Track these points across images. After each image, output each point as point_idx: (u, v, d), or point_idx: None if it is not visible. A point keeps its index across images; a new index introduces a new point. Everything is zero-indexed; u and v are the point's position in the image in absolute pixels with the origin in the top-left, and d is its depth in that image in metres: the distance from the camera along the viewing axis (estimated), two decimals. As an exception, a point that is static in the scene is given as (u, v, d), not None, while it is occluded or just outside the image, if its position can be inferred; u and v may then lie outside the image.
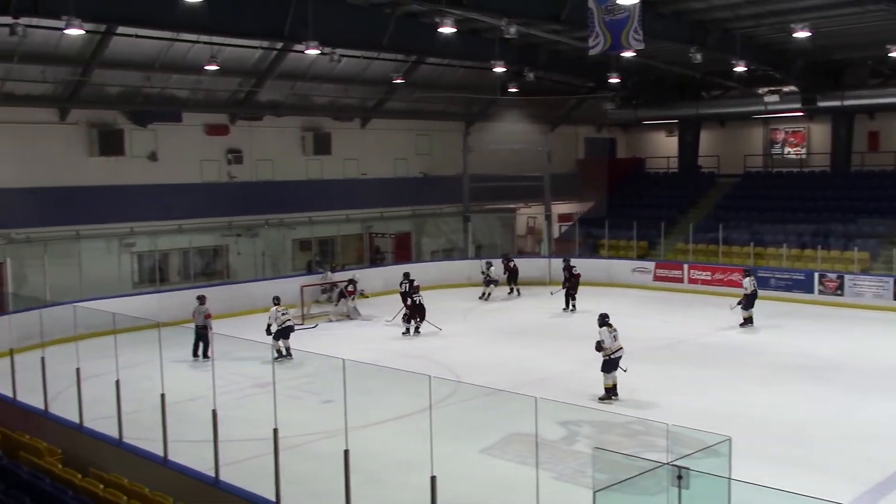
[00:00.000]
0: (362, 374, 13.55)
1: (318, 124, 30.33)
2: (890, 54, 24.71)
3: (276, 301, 19.49)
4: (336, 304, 24.50)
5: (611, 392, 15.38)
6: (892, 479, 11.36)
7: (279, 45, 24.92)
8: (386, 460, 12.21)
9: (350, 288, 24.35)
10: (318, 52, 22.62)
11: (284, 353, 19.09)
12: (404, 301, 22.50)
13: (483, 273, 27.46)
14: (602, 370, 15.51)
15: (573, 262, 25.72)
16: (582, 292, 25.14)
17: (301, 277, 26.24)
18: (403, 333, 21.88)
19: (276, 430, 9.56)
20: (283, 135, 29.43)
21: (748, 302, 22.12)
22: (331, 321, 23.77)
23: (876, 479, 11.30)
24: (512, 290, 27.90)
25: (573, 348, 19.98)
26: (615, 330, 15.60)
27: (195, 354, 19.04)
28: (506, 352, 19.96)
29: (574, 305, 24.84)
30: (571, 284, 25.03)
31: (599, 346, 15.50)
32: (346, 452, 8.97)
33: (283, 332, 19.20)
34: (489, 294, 27.15)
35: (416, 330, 21.84)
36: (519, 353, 19.78)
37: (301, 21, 21.86)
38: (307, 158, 30.06)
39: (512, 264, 28.03)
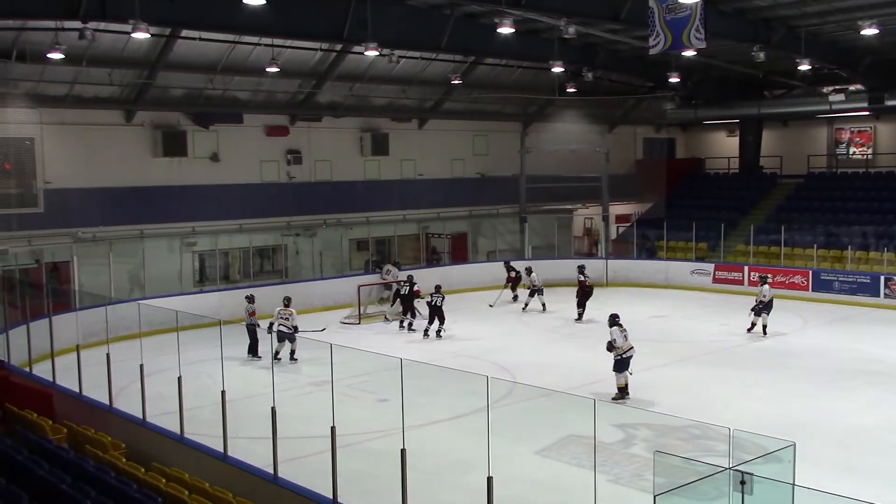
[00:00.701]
0: (418, 373, 13.62)
1: (376, 125, 30.54)
2: (962, 51, 24.01)
3: (286, 302, 19.16)
4: (392, 304, 24.60)
5: (623, 391, 15.37)
6: (963, 489, 11.02)
7: (338, 46, 25.16)
8: (442, 460, 12.23)
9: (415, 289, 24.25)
10: (377, 53, 22.79)
11: (290, 357, 18.83)
12: (407, 302, 22.84)
13: (527, 285, 25.92)
14: (614, 370, 15.57)
15: (587, 271, 24.37)
16: (643, 294, 24.82)
17: (358, 277, 26.43)
18: (424, 335, 21.51)
19: (333, 428, 9.64)
20: (341, 135, 29.70)
21: (766, 308, 21.10)
22: (387, 321, 23.88)
23: (945, 488, 10.98)
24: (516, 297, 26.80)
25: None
26: (626, 330, 15.72)
27: (253, 353, 19.13)
28: (561, 353, 19.85)
29: (581, 315, 23.52)
30: (582, 293, 23.85)
31: (611, 346, 15.64)
32: (403, 451, 9.00)
33: (279, 336, 18.65)
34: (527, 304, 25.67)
35: (438, 333, 21.44)
36: (575, 354, 19.64)
37: (360, 22, 22.04)
38: (365, 159, 30.29)
39: (512, 273, 27.19)
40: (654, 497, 6.46)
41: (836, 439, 13.17)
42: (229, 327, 17.35)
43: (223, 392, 11.20)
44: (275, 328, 18.63)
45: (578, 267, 24.58)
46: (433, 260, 31.67)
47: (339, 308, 24.70)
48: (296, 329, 18.69)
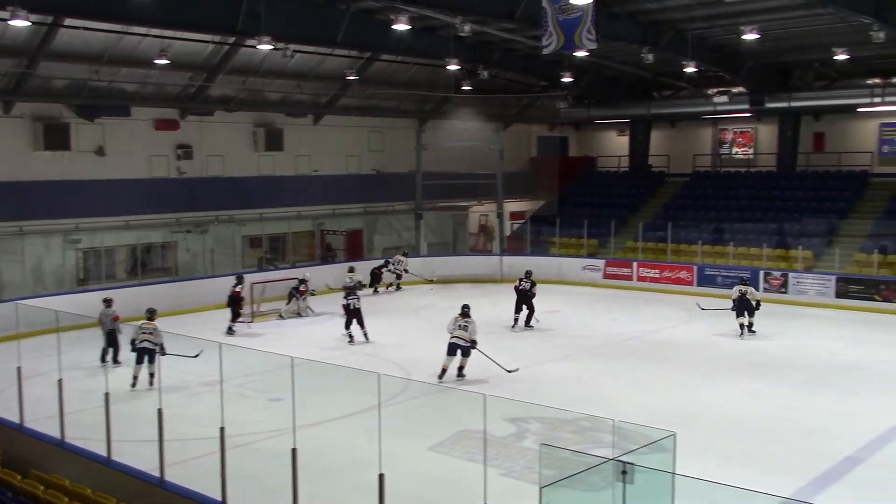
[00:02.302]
0: (311, 371, 13.51)
1: (270, 120, 30.06)
2: (835, 57, 25.23)
3: (149, 315, 16.63)
4: (287, 303, 24.30)
5: (442, 373, 16.30)
6: (832, 471, 11.61)
7: (231, 39, 24.64)
8: (335, 458, 12.14)
9: (302, 287, 24.16)
10: (271, 47, 22.34)
11: (150, 382, 15.75)
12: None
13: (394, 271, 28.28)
14: None
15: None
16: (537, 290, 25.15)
17: (251, 274, 25.96)
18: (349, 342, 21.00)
19: (222, 429, 9.47)
20: (234, 130, 29.11)
21: (737, 309, 21.29)
22: (282, 318, 23.59)
23: (816, 472, 11.54)
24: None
25: (524, 347, 20.14)
26: (466, 322, 16.59)
27: (103, 360, 17.45)
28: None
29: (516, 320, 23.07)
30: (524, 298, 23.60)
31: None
32: (294, 451, 8.91)
33: (139, 356, 15.98)
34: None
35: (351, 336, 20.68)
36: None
37: (253, 15, 21.62)
38: (258, 154, 29.79)
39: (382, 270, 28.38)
40: (540, 489, 6.57)
41: (717, 428, 13.68)
42: (115, 327, 16.83)
43: (107, 394, 10.85)
44: (136, 345, 16.00)
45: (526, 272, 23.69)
46: (328, 257, 31.42)
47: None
48: (161, 348, 15.79)
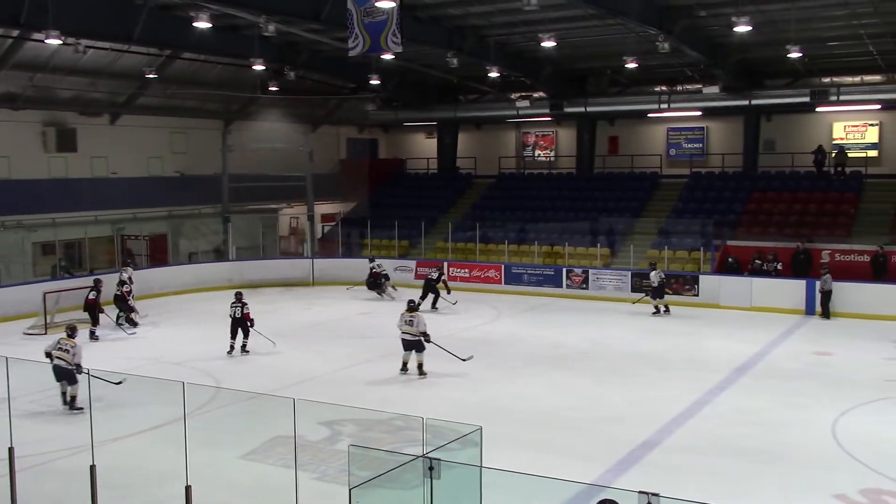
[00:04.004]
0: (113, 384, 12.84)
1: (62, 119, 28.32)
2: (626, 65, 26.78)
3: (70, 332, 15.05)
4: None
5: (403, 368, 17.20)
6: (630, 456, 12.30)
7: (15, 32, 23.00)
8: (139, 473, 11.57)
9: (126, 289, 22.56)
10: (60, 41, 21.11)
11: (70, 404, 14.35)
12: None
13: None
14: None
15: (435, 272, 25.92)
16: (346, 292, 25.20)
17: (43, 283, 24.35)
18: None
19: (11, 449, 8.83)
20: (20, 129, 27.17)
21: (655, 293, 23.95)
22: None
23: (618, 457, 12.19)
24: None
25: (337, 348, 20.06)
26: (411, 317, 17.20)
27: None
28: (271, 356, 19.52)
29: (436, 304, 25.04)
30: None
31: None
32: (93, 468, 8.44)
33: (57, 374, 14.56)
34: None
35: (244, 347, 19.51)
36: (283, 354, 19.47)
37: (39, 7, 20.25)
38: (49, 155, 27.96)
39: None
40: (350, 490, 6.56)
41: (526, 420, 14.18)
42: None
43: None
44: (53, 360, 14.56)
45: (438, 269, 26.14)
46: (128, 263, 29.92)
47: (22, 318, 22.60)
48: (79, 368, 14.33)
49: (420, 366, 17.07)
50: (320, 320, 23.85)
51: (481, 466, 6.67)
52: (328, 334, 21.93)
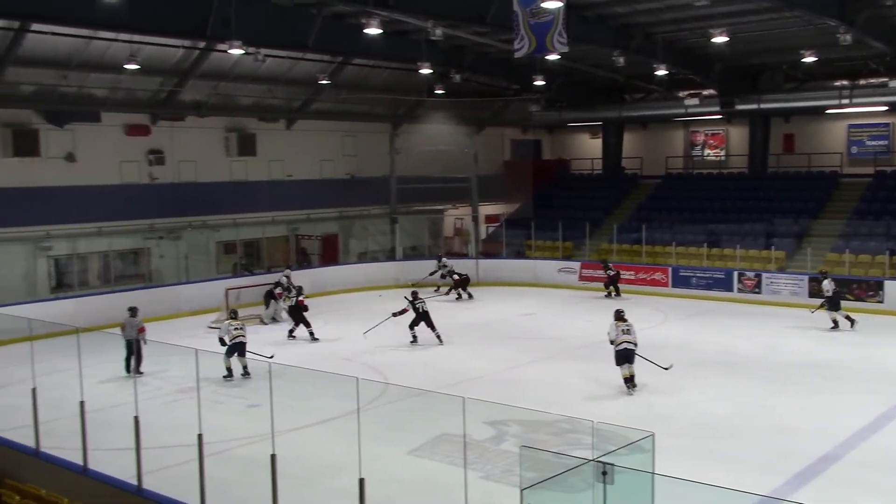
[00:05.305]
0: (289, 377, 13.45)
1: (243, 125, 29.92)
2: (803, 59, 25.52)
3: (233, 315, 18.25)
4: (266, 307, 24.15)
5: (628, 382, 15.89)
6: (807, 470, 11.72)
7: (201, 44, 24.51)
8: (314, 464, 12.09)
9: (278, 290, 23.97)
10: (242, 51, 22.32)
11: (242, 372, 17.43)
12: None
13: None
14: (616, 363, 16.06)
15: (610, 263, 27.65)
16: (512, 292, 25.44)
17: (226, 280, 25.82)
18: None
19: (200, 436, 9.40)
20: (206, 135, 28.94)
21: (832, 304, 21.72)
22: (263, 323, 23.46)
23: (792, 470, 11.65)
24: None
25: (501, 348, 20.19)
26: (627, 325, 16.17)
27: (128, 370, 17.52)
28: (434, 352, 19.95)
29: (617, 292, 26.93)
30: (611, 279, 26.96)
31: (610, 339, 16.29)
32: (273, 457, 8.85)
33: (233, 348, 17.35)
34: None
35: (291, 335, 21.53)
36: (447, 353, 19.81)
37: (224, 20, 21.51)
38: (231, 160, 29.63)
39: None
40: (522, 491, 6.58)
41: (694, 428, 13.78)
42: (89, 335, 16.60)
43: (82, 402, 10.73)
44: (227, 341, 17.30)
45: (603, 262, 27.63)
46: (303, 262, 31.29)
47: (206, 312, 24.06)
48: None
49: (632, 377, 16.03)
50: (484, 320, 24.05)
51: (653, 473, 6.54)
52: (491, 334, 22.09)
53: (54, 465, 11.02)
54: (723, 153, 36.99)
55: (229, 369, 17.39)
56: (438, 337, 20.53)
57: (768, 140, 34.17)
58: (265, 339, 21.18)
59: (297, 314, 21.58)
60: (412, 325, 20.66)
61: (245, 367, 17.51)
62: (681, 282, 27.54)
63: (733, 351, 19.67)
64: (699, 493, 6.36)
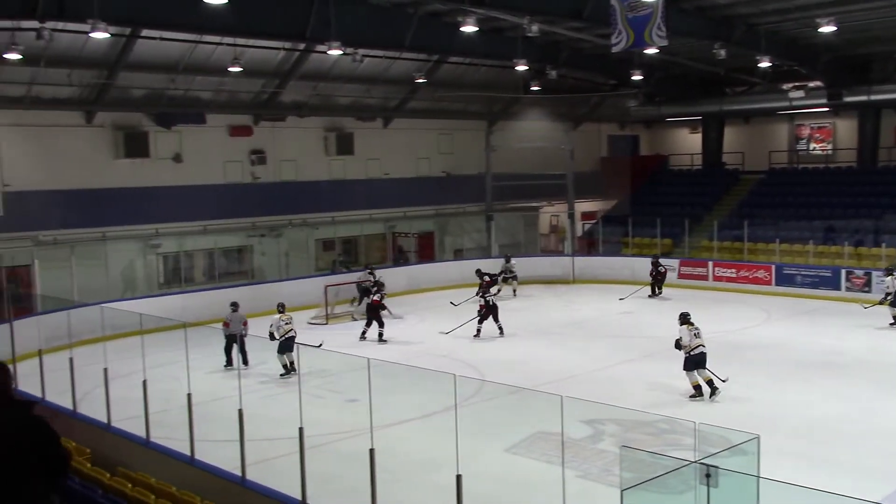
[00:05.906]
0: (386, 372, 13.59)
1: (341, 124, 30.44)
2: (917, 48, 24.42)
3: (280, 308, 18.49)
4: (360, 304, 24.52)
5: (698, 389, 15.29)
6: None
7: (301, 45, 25.03)
8: (411, 459, 12.22)
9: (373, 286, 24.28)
10: (341, 52, 22.69)
11: (289, 367, 17.58)
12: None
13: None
14: (683, 368, 15.47)
15: (662, 261, 27.17)
16: (609, 290, 25.14)
17: (325, 277, 26.32)
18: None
19: (301, 430, 9.60)
20: (305, 135, 29.56)
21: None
22: (355, 320, 23.83)
23: (905, 477, 11.18)
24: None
25: (597, 347, 20.01)
26: (696, 328, 15.57)
27: (228, 363, 18.10)
28: (530, 350, 19.92)
29: (660, 290, 26.70)
30: (658, 279, 26.63)
31: (678, 344, 15.58)
32: (372, 451, 8.98)
33: (286, 344, 17.60)
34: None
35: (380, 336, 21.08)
36: (543, 351, 19.74)
37: (323, 22, 21.94)
38: (330, 158, 30.19)
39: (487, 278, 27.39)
40: (622, 491, 6.51)
41: (798, 431, 13.35)
42: (195, 330, 17.15)
43: (189, 395, 11.10)
44: (277, 335, 17.73)
45: (653, 258, 27.03)
46: (400, 259, 31.64)
47: (306, 308, 24.57)
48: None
49: (711, 381, 15.37)
50: (580, 318, 23.87)
51: (759, 477, 6.37)
52: (587, 332, 21.91)
53: (163, 454, 11.44)
54: (830, 147, 35.68)
55: (285, 366, 17.56)
56: (500, 329, 21.15)
57: (879, 133, 32.79)
58: (355, 336, 21.43)
59: (373, 313, 21.45)
60: (481, 320, 21.08)
61: (292, 363, 17.39)
62: (785, 280, 26.70)
63: (839, 351, 19.00)
64: (808, 498, 6.17)
